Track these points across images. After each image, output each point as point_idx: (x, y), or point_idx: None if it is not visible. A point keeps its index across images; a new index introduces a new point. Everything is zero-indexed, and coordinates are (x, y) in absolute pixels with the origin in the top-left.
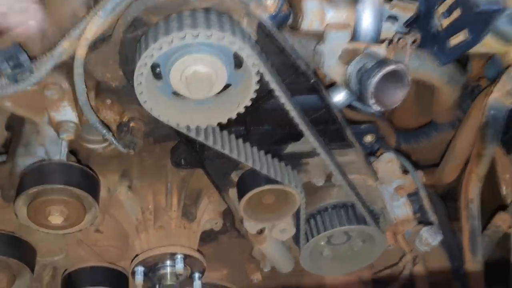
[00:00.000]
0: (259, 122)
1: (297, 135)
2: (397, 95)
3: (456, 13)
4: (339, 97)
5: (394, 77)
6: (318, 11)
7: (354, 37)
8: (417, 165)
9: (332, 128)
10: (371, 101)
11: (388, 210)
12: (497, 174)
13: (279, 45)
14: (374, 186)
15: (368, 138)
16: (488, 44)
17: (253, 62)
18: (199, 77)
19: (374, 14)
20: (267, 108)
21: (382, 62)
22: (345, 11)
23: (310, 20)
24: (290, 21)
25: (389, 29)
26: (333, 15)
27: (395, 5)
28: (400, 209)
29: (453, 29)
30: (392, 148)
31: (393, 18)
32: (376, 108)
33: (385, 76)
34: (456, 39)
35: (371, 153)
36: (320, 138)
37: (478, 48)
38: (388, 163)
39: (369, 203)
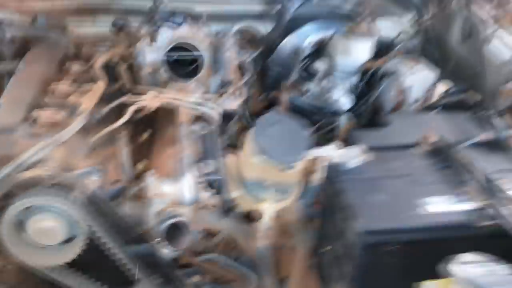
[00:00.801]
0: (103, 265)
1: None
2: (183, 240)
3: None
4: None
5: (179, 228)
6: (155, 185)
7: (179, 201)
8: None
9: (163, 271)
10: (163, 244)
11: None
12: None
13: (109, 208)
14: None
15: (196, 278)
16: (248, 203)
17: (82, 219)
18: (46, 230)
19: (191, 189)
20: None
21: (170, 217)
22: (173, 185)
23: (151, 192)
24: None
25: (208, 196)
26: (166, 188)
27: None
28: None
29: None
30: None
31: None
32: (169, 249)
33: (171, 227)
34: None
35: None
36: (154, 280)
37: (243, 205)
38: None
39: None
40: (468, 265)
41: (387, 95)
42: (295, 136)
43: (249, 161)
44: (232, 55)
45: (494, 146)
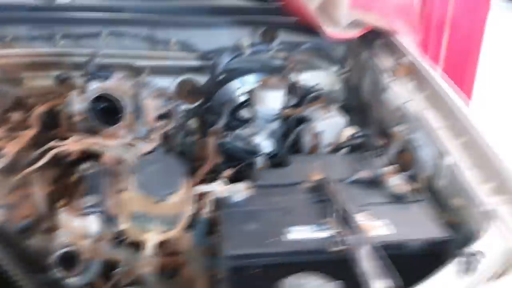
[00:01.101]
0: None
1: None
2: (75, 268)
3: None
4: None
5: (73, 257)
6: (65, 220)
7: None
8: None
9: None
10: (57, 270)
11: None
12: None
13: (15, 239)
14: None
15: None
16: (136, 234)
17: None
18: None
19: (97, 223)
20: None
21: (63, 247)
22: (82, 220)
23: (60, 226)
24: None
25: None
26: (77, 222)
27: None
28: None
29: None
30: None
31: None
32: (62, 276)
33: (65, 256)
34: None
35: None
36: None
37: (132, 236)
38: None
39: None
40: (300, 283)
41: (303, 139)
42: (170, 172)
43: (134, 195)
44: (151, 104)
45: (370, 183)
